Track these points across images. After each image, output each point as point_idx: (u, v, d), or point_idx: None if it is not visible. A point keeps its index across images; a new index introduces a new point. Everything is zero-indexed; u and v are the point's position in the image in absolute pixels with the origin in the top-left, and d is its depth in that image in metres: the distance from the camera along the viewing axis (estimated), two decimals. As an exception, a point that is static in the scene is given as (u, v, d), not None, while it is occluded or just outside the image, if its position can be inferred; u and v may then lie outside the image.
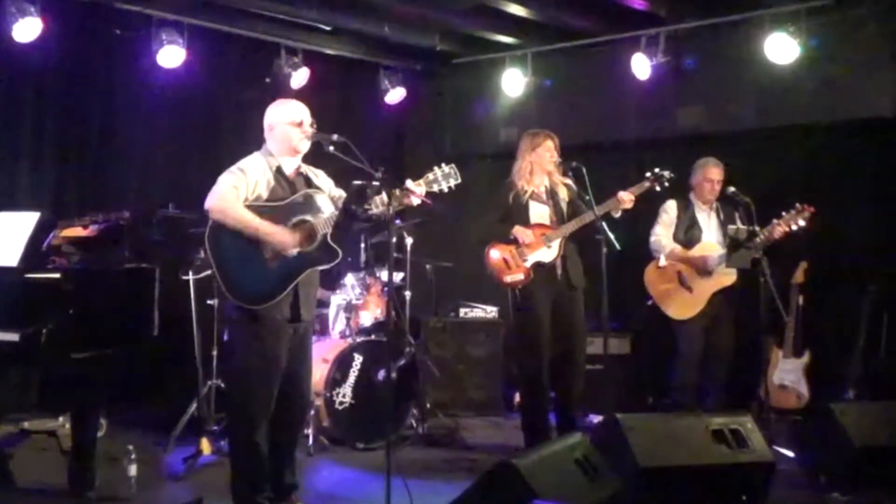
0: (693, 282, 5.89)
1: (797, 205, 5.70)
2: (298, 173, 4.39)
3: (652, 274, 6.04)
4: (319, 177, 4.47)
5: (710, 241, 5.94)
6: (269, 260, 4.16)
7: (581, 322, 5.49)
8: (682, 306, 5.91)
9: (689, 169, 6.09)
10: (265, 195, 4.24)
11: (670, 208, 6.03)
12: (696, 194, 6.05)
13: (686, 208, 6.03)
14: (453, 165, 4.33)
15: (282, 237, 4.14)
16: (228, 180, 4.20)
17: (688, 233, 5.99)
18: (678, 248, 5.94)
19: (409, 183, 4.24)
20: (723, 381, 5.91)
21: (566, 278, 5.44)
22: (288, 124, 4.30)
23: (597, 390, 6.01)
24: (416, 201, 4.27)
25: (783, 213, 5.69)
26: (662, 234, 6.01)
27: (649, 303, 6.06)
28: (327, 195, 4.36)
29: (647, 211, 5.95)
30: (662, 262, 5.96)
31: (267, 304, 4.15)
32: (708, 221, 6.02)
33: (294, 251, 4.16)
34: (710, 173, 5.97)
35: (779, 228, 5.66)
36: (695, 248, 5.94)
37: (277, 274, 4.16)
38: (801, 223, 5.66)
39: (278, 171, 4.31)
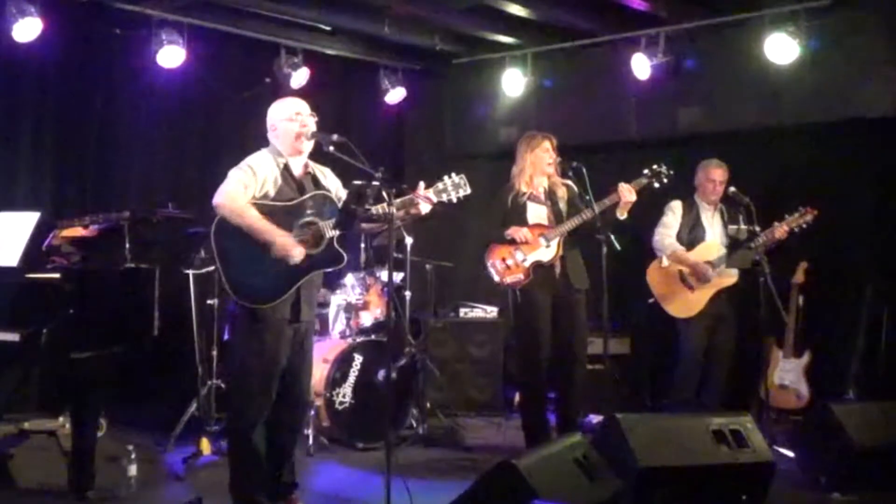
0: (695, 281, 5.89)
1: (800, 207, 5.71)
2: (306, 173, 4.38)
3: (654, 273, 6.05)
4: (327, 176, 4.46)
5: (714, 242, 5.94)
6: (275, 260, 4.14)
7: (582, 323, 5.47)
8: (684, 305, 5.91)
9: (690, 169, 6.09)
10: (272, 193, 4.23)
11: (675, 208, 6.03)
12: (699, 195, 6.05)
13: (691, 209, 6.03)
14: (463, 176, 4.30)
15: (286, 246, 4.12)
16: (239, 177, 4.18)
17: (692, 233, 5.99)
18: (680, 249, 5.94)
19: (419, 191, 4.23)
20: (723, 380, 5.91)
21: (565, 279, 5.43)
22: (287, 120, 4.31)
23: (597, 390, 6.01)
24: (424, 209, 4.27)
25: (786, 216, 5.70)
26: (665, 233, 6.01)
27: (651, 301, 6.07)
28: (335, 196, 4.36)
29: (647, 212, 5.94)
30: (665, 262, 5.97)
31: (270, 304, 4.14)
32: (712, 222, 6.02)
33: (297, 260, 4.14)
34: (713, 174, 5.97)
35: (781, 230, 5.67)
36: (697, 248, 5.94)
37: (282, 274, 4.14)
38: (804, 226, 5.68)
39: (286, 170, 4.30)
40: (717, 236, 5.97)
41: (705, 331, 5.89)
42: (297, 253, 4.13)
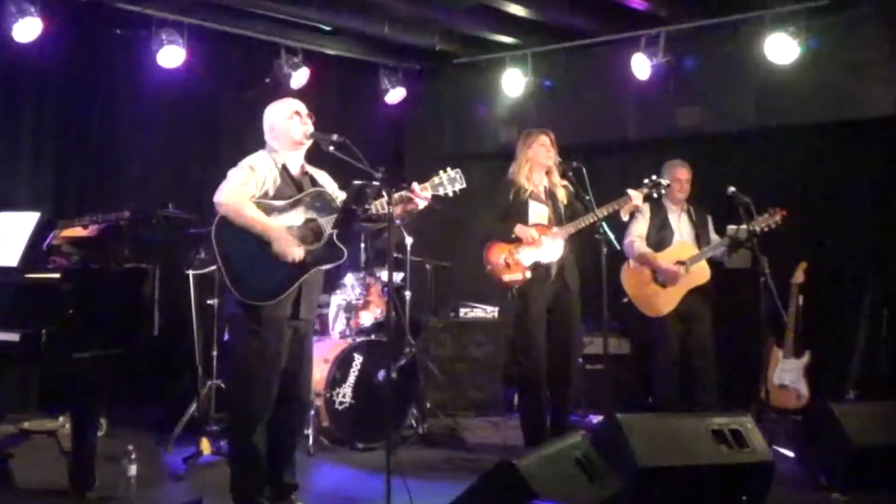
0: (665, 280, 5.90)
1: (770, 209, 5.69)
2: (304, 173, 4.40)
3: (627, 274, 6.06)
4: (323, 177, 4.48)
5: (684, 242, 5.95)
6: (276, 257, 4.14)
7: (576, 322, 5.49)
8: (657, 303, 5.91)
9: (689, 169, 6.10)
10: (272, 192, 4.25)
11: (644, 210, 6.02)
12: (667, 196, 6.03)
13: (658, 210, 6.04)
14: (458, 170, 4.34)
15: (286, 244, 4.13)
16: (238, 177, 4.20)
17: (659, 234, 6.01)
18: (647, 251, 5.94)
19: (415, 186, 4.25)
20: (713, 378, 5.88)
21: (562, 278, 5.43)
22: (286, 119, 4.33)
23: (597, 390, 6.00)
24: (421, 204, 4.28)
25: (756, 216, 5.68)
26: (636, 236, 6.01)
27: (625, 301, 6.07)
28: (333, 195, 4.37)
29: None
30: (633, 264, 5.99)
31: (271, 301, 4.14)
32: (678, 223, 6.03)
33: (297, 258, 4.15)
34: (678, 173, 5.99)
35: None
36: (669, 249, 5.94)
37: (284, 271, 4.15)
38: (773, 226, 5.67)
39: (284, 169, 4.31)
40: (686, 236, 5.99)
41: (678, 331, 5.88)
42: (297, 251, 4.13)
